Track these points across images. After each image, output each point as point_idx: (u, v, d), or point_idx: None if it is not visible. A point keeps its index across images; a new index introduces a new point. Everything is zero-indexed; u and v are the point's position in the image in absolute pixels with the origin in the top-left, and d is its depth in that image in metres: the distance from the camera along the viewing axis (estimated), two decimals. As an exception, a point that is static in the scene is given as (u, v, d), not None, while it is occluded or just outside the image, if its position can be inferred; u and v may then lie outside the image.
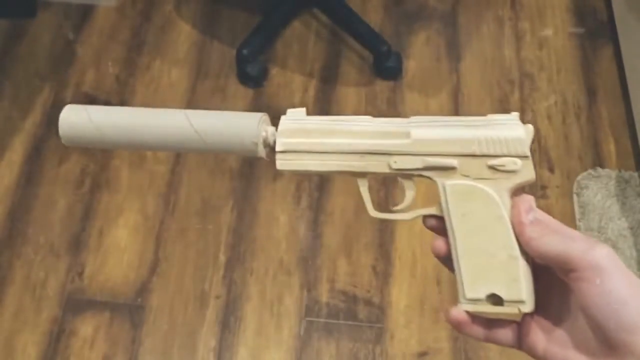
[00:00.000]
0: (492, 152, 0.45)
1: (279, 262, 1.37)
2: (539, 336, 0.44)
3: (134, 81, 1.61)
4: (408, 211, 0.48)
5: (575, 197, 1.44)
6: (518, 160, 0.44)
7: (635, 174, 1.46)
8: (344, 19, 1.65)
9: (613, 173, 1.46)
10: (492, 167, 0.45)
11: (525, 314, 0.44)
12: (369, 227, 1.40)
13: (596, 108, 1.59)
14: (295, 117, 0.49)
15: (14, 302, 1.32)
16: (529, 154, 0.45)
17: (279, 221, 1.42)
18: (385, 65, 1.60)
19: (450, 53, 1.67)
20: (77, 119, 0.51)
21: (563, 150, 1.51)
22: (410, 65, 1.64)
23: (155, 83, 1.61)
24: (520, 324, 0.45)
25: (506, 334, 0.45)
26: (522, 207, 0.44)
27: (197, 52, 1.66)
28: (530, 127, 0.46)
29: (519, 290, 0.43)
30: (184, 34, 1.69)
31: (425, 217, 0.48)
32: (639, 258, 1.35)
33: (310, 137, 0.48)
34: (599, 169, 1.47)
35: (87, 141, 0.52)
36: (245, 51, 1.58)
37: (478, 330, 0.46)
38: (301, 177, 1.46)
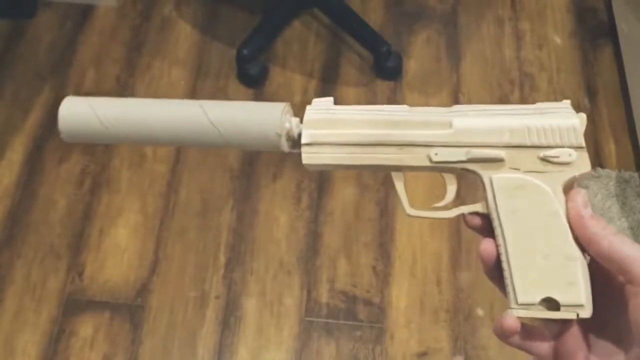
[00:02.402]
0: (544, 142, 0.41)
1: (279, 262, 1.37)
2: (581, 345, 0.41)
3: (134, 81, 1.61)
4: (449, 208, 0.44)
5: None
6: (572, 151, 0.41)
7: (635, 174, 1.46)
8: (344, 19, 1.65)
9: (613, 173, 1.46)
10: (544, 159, 0.41)
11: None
12: (369, 227, 1.40)
13: (596, 108, 1.59)
14: (322, 107, 0.45)
15: (14, 302, 1.32)
16: (584, 144, 0.41)
17: (279, 221, 1.41)
18: (386, 65, 1.60)
19: (450, 53, 1.67)
20: (79, 112, 0.46)
21: (563, 150, 1.51)
22: (410, 65, 1.64)
23: (155, 83, 1.61)
24: (561, 332, 0.42)
25: (542, 345, 0.42)
26: (580, 200, 0.40)
27: (197, 52, 1.66)
28: (583, 115, 0.42)
29: (578, 294, 0.40)
30: (184, 34, 1.69)
31: (467, 215, 0.44)
32: (639, 258, 1.35)
33: (340, 128, 0.43)
34: (599, 169, 1.47)
35: (91, 136, 0.47)
36: (245, 51, 1.58)
37: (515, 339, 0.42)
38: (303, 178, 1.46)
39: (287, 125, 0.45)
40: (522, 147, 0.41)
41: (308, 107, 0.45)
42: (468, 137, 0.42)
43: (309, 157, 0.44)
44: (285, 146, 0.45)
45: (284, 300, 1.33)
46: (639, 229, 1.38)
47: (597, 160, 1.50)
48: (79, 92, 1.59)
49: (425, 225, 1.39)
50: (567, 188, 0.42)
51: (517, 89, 1.61)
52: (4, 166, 1.48)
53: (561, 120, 0.41)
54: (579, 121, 0.41)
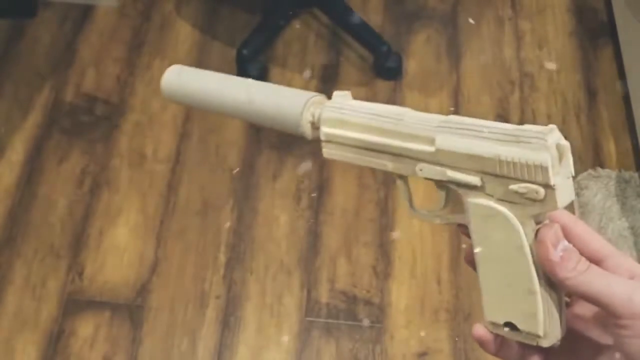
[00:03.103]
0: (512, 174, 0.38)
1: (279, 262, 1.37)
2: None
3: (134, 81, 1.61)
4: (442, 215, 0.45)
5: (575, 197, 1.44)
6: (540, 189, 0.37)
7: (635, 174, 1.46)
8: (344, 18, 1.65)
9: (613, 173, 1.46)
10: (513, 191, 0.39)
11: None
12: (369, 227, 1.40)
13: (596, 108, 1.59)
14: (338, 104, 0.46)
15: (14, 302, 1.32)
16: (552, 182, 0.37)
17: (279, 221, 1.41)
18: (386, 65, 1.60)
19: (450, 53, 1.67)
20: (172, 79, 0.55)
21: (563, 150, 1.51)
22: (410, 65, 1.64)
23: (155, 83, 1.61)
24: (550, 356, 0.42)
25: None
26: (549, 241, 0.38)
27: (197, 52, 1.66)
28: (563, 146, 0.37)
29: (536, 325, 0.40)
30: (184, 34, 1.69)
31: (459, 224, 0.44)
32: (639, 258, 1.35)
33: (348, 131, 0.45)
34: (599, 169, 1.47)
35: (179, 100, 0.55)
36: (245, 51, 1.58)
37: (510, 354, 0.42)
38: (303, 178, 1.46)
39: (310, 118, 0.47)
40: (494, 176, 0.39)
41: (327, 103, 0.46)
42: (447, 158, 0.41)
43: (328, 152, 0.46)
44: (309, 135, 0.47)
45: (284, 300, 1.33)
46: (639, 229, 1.38)
47: (597, 160, 1.50)
48: (79, 92, 1.59)
49: (425, 226, 1.39)
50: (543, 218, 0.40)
51: (517, 89, 1.61)
52: (4, 166, 1.48)
53: (530, 154, 0.37)
54: (548, 157, 0.37)
